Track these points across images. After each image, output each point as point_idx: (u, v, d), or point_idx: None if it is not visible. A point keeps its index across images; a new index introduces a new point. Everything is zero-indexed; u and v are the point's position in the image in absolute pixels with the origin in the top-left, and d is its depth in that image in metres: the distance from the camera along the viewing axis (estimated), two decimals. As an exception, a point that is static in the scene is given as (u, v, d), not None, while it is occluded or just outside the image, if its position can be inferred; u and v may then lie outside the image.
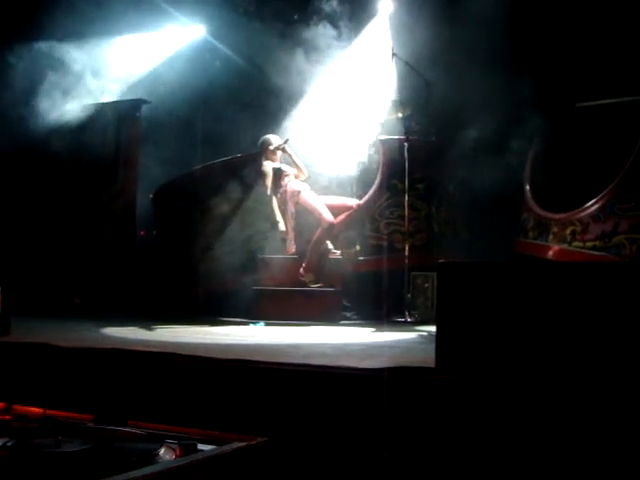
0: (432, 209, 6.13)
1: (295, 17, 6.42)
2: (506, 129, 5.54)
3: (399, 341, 4.15)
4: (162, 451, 1.81)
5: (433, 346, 2.56)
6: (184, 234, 6.53)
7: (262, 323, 5.24)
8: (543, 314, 2.38)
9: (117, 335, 4.27)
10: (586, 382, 2.24)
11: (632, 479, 2.10)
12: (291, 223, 5.72)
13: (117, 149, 7.38)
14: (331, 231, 5.69)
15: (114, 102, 7.35)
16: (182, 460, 1.75)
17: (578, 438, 2.18)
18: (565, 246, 5.50)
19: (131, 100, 7.36)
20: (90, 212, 7.31)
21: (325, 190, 5.93)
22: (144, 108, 7.29)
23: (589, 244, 5.32)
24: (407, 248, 5.43)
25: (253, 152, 6.13)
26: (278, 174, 5.84)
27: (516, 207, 6.13)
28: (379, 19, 6.44)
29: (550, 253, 5.62)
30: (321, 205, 5.71)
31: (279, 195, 5.80)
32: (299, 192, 5.75)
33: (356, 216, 5.91)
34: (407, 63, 5.64)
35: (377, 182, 6.03)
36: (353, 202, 5.95)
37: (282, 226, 5.70)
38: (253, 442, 1.91)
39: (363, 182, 6.09)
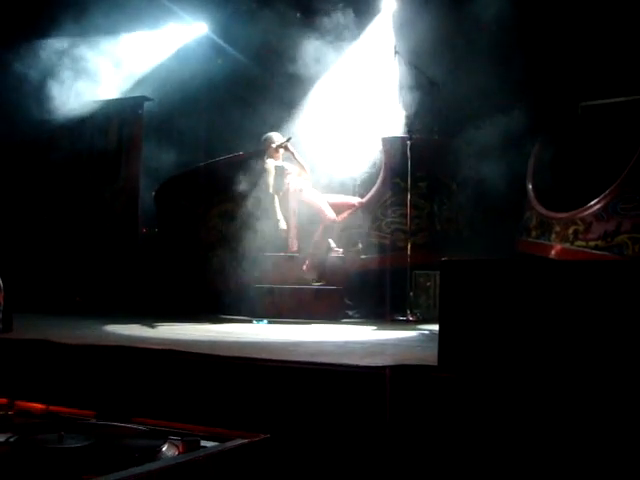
0: (434, 207, 6.11)
1: (297, 16, 6.42)
2: (509, 127, 5.53)
3: (401, 339, 4.14)
4: (165, 447, 1.82)
5: (435, 344, 2.56)
6: (186, 231, 6.53)
7: (265, 321, 5.23)
8: (546, 312, 2.38)
9: (120, 332, 4.27)
10: (588, 379, 2.24)
11: (632, 478, 2.10)
12: (293, 221, 5.71)
13: (120, 146, 7.39)
14: (333, 229, 5.69)
15: (117, 99, 7.37)
16: (185, 456, 1.76)
17: (580, 436, 2.18)
18: (568, 245, 5.49)
19: (134, 97, 7.37)
20: (92, 209, 7.31)
21: (327, 188, 5.93)
22: (147, 105, 7.29)
23: (592, 243, 5.31)
24: (409, 246, 5.42)
25: (255, 150, 6.13)
26: (280, 172, 5.83)
27: (519, 206, 6.13)
28: (382, 17, 6.44)
29: (553, 252, 5.61)
30: (323, 203, 5.70)
31: (281, 193, 5.80)
32: (301, 190, 5.75)
33: (358, 214, 5.91)
34: (409, 62, 5.63)
35: (379, 180, 6.03)
36: (355, 200, 5.95)
37: (283, 224, 5.69)
38: (256, 439, 1.91)
39: (365, 180, 6.09)
